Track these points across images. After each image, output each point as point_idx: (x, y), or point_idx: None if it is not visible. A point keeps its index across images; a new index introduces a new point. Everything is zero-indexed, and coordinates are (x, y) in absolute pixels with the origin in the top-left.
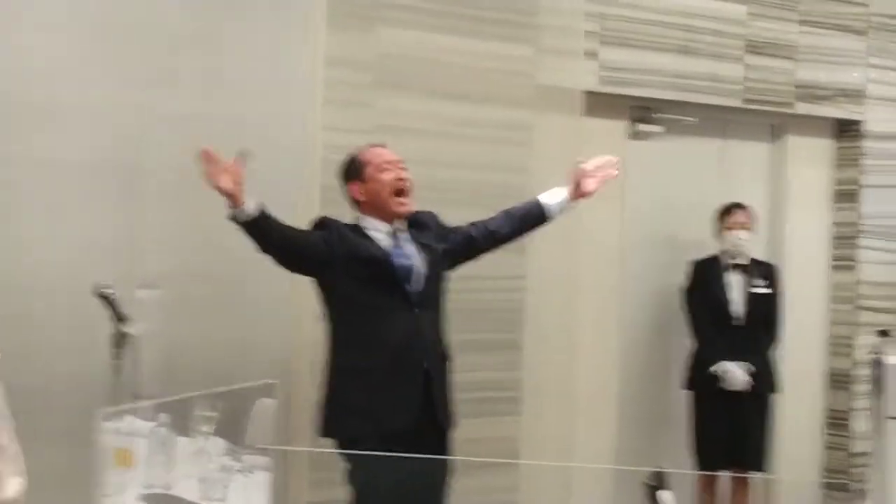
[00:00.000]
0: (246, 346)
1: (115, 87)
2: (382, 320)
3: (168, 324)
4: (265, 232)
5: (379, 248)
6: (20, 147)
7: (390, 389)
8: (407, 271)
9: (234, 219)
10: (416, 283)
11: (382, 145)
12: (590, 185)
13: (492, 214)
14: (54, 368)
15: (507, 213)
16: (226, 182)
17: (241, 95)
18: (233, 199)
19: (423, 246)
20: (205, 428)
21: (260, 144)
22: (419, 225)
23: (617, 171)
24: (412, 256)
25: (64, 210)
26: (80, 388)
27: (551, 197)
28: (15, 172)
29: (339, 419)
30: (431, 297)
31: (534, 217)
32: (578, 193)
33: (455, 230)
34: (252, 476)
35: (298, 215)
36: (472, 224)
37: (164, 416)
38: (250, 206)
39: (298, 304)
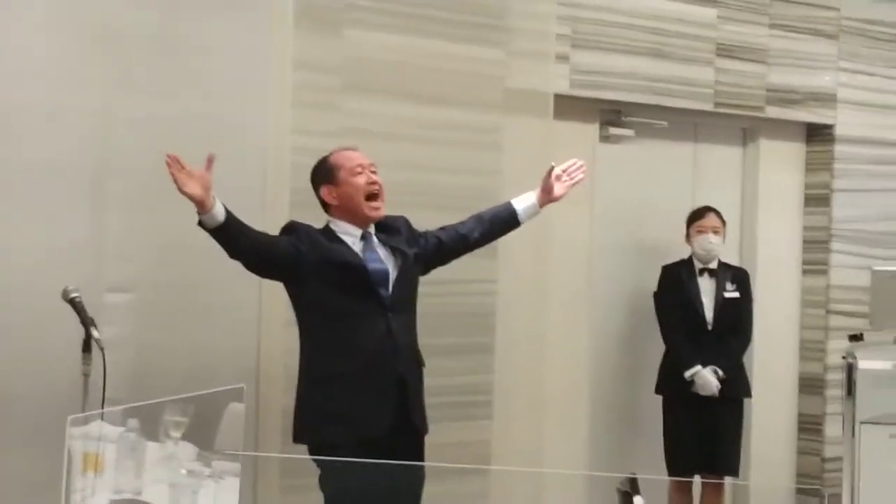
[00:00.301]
0: (215, 350)
1: (80, 89)
2: (357, 326)
3: (137, 328)
4: (234, 237)
5: (353, 252)
6: None
7: (366, 395)
8: (382, 276)
9: (203, 225)
10: (390, 288)
11: (354, 148)
12: (558, 189)
13: (462, 218)
14: (21, 374)
15: (478, 218)
16: (194, 188)
17: (209, 99)
18: (201, 205)
19: (394, 250)
20: (174, 433)
21: (228, 148)
22: (389, 229)
23: (584, 175)
24: (385, 261)
25: (31, 214)
26: (48, 392)
27: (522, 201)
28: None
29: (314, 425)
30: (404, 301)
31: (504, 220)
32: (547, 198)
33: (426, 235)
34: (222, 482)
35: (268, 219)
36: (443, 228)
37: (133, 422)
38: (219, 212)
39: (268, 308)
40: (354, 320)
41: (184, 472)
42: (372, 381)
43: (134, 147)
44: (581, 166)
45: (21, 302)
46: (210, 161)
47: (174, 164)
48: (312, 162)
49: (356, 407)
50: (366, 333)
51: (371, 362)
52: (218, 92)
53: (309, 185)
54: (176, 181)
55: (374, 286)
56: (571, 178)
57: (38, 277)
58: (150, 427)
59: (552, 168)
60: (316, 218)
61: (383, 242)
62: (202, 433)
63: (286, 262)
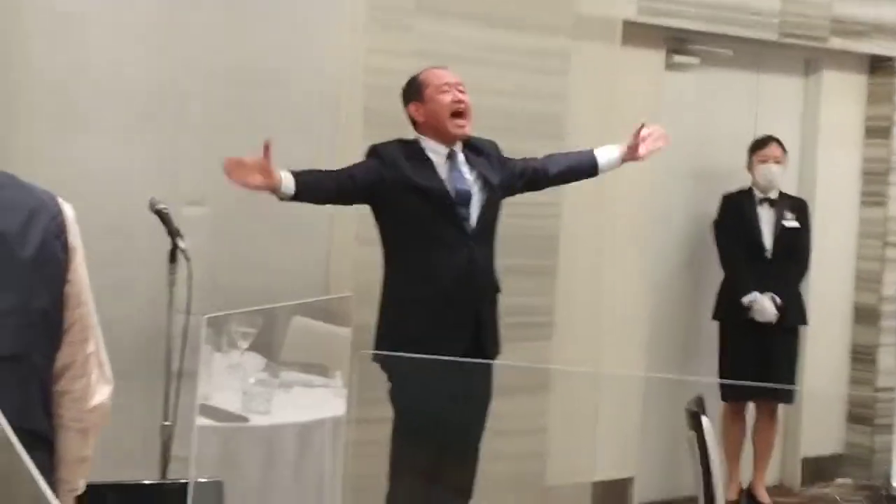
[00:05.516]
0: (286, 263)
1: (151, 6)
2: (438, 252)
3: (211, 241)
4: (310, 197)
5: (437, 177)
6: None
7: (442, 322)
8: (465, 196)
9: (280, 198)
10: (473, 211)
11: (444, 67)
12: (643, 150)
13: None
14: (105, 283)
15: (558, 158)
16: (256, 180)
17: (281, 18)
18: (269, 190)
19: (480, 175)
20: (243, 343)
21: (301, 68)
22: (477, 150)
23: (665, 144)
24: (470, 183)
25: (108, 131)
26: (130, 301)
27: (604, 153)
28: (61, 93)
29: (390, 348)
30: (486, 227)
31: (584, 168)
32: (632, 155)
33: (513, 161)
34: (291, 391)
35: (340, 139)
36: (528, 160)
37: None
38: (288, 186)
39: (340, 224)
40: (436, 246)
41: (255, 381)
42: (449, 309)
43: (207, 64)
44: (665, 136)
45: (102, 217)
46: (267, 148)
47: (230, 167)
48: (385, 82)
49: (430, 333)
50: (447, 261)
51: (449, 290)
52: (290, 11)
53: (383, 105)
54: (238, 181)
55: (457, 210)
56: (655, 143)
57: (118, 191)
58: (220, 336)
59: (642, 126)
60: (389, 137)
61: (468, 162)
62: (273, 345)
63: (368, 190)
